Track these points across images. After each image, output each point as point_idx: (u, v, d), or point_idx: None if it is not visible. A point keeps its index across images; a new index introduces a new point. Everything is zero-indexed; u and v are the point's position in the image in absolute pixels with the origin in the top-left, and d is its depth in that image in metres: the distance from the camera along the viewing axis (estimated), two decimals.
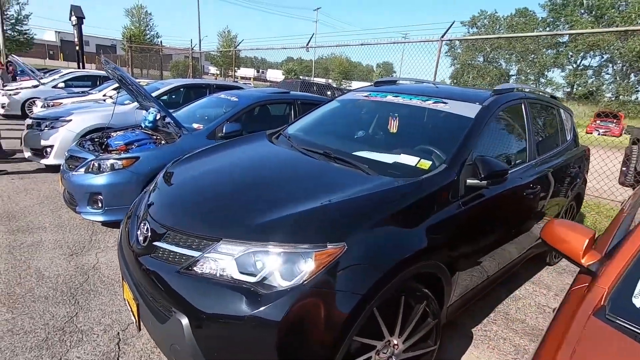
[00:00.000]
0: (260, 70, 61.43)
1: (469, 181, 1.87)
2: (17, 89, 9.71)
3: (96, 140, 3.99)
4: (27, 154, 4.97)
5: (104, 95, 8.01)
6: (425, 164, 1.94)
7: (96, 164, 3.28)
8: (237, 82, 10.26)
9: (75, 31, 18.82)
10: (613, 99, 36.97)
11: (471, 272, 2.03)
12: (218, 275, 1.37)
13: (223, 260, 1.39)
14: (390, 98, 2.65)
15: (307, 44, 7.34)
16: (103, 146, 3.78)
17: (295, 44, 8.09)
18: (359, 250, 1.38)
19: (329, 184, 1.81)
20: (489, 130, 2.19)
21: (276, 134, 2.80)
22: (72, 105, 5.87)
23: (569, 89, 43.09)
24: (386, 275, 1.40)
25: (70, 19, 19.08)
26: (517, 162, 2.45)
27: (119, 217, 3.31)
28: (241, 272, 1.35)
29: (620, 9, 36.10)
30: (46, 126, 4.84)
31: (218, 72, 42.20)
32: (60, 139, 4.73)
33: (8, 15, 31.06)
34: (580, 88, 41.20)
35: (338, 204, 1.54)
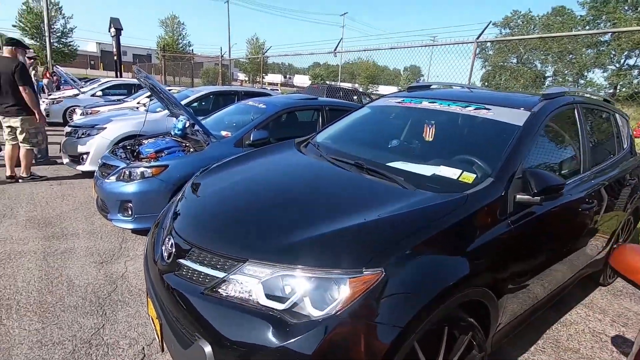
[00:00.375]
0: (288, 76, 62.32)
1: (518, 197, 1.68)
2: (59, 97, 10.26)
3: (128, 147, 4.07)
4: (65, 160, 5.17)
5: (138, 103, 8.29)
6: (469, 177, 1.76)
7: (127, 172, 3.32)
8: (265, 88, 10.34)
9: (113, 42, 19.82)
10: None
11: (520, 296, 1.82)
12: (244, 299, 1.28)
13: (249, 283, 1.29)
14: (426, 104, 2.48)
15: (335, 49, 7.26)
16: (135, 154, 3.84)
17: (322, 49, 8.05)
18: (398, 277, 1.24)
19: (362, 199, 1.67)
20: (538, 140, 1.98)
21: (305, 142, 2.70)
22: (108, 112, 6.09)
23: (611, 90, 40.53)
24: (429, 305, 1.25)
25: (109, 31, 20.12)
26: (569, 174, 2.22)
27: (148, 225, 3.32)
28: (268, 297, 1.24)
29: None
30: (83, 133, 5.01)
31: (246, 78, 43.17)
32: (95, 146, 4.88)
33: (54, 29, 33.28)
34: (624, 89, 38.69)
35: (374, 223, 1.40)
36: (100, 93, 10.07)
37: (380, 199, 1.63)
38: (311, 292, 1.21)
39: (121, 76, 19.22)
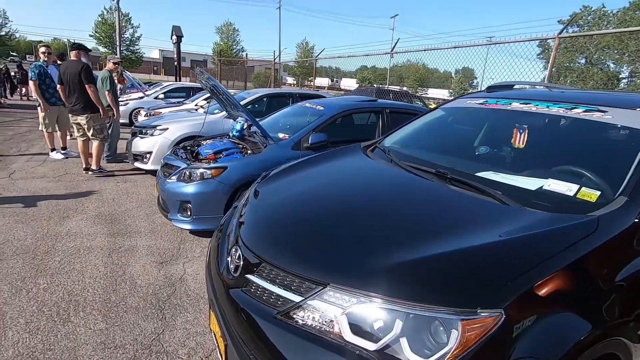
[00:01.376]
0: (335, 79, 62.58)
1: None
2: (126, 100, 11.02)
3: (188, 148, 4.12)
4: (130, 158, 5.43)
5: (196, 105, 8.61)
6: (591, 194, 1.43)
7: (187, 173, 3.33)
8: (318, 91, 10.29)
9: (175, 48, 21.11)
10: None
11: None
12: (324, 330, 1.09)
13: (330, 311, 1.10)
14: (517, 105, 2.15)
15: (392, 50, 6.97)
16: (194, 154, 3.88)
17: (372, 51, 7.82)
18: (520, 324, 0.97)
19: (456, 216, 1.42)
20: None
21: (371, 146, 2.48)
22: (169, 114, 6.34)
23: None
24: None
25: (171, 38, 21.46)
26: None
27: (205, 227, 3.30)
28: (355, 333, 1.04)
29: None
30: (146, 134, 5.23)
31: (294, 82, 43.94)
32: (157, 146, 5.05)
33: (124, 38, 36.30)
34: None
35: (482, 250, 1.15)
36: (162, 96, 10.65)
37: (479, 218, 1.37)
38: (409, 332, 0.99)
39: (180, 80, 20.39)
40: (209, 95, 9.37)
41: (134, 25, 38.47)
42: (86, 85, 4.81)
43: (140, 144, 5.18)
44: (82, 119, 4.97)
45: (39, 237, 3.17)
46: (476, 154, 2.20)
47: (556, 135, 2.00)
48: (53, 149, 6.02)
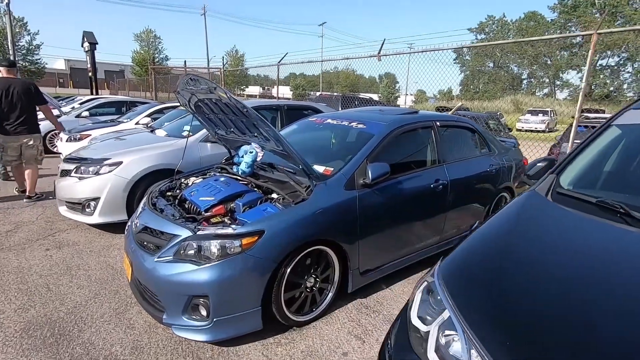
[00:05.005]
0: (266, 88, 61.03)
1: None
2: None
3: (170, 195, 2.75)
4: (62, 208, 3.75)
5: (137, 124, 6.89)
6: None
7: (195, 246, 2.02)
8: (278, 99, 9.10)
9: (87, 57, 18.12)
10: (636, 97, 35.69)
11: None
12: None
13: None
14: None
15: (379, 52, 6.17)
16: (184, 205, 2.54)
17: (304, 59, 7.06)
18: None
19: None
20: None
21: (550, 190, 1.51)
22: (107, 139, 4.65)
23: (587, 90, 41.84)
24: None
25: (82, 45, 18.45)
26: None
27: (233, 333, 2.03)
28: None
29: (635, 6, 35.05)
30: (87, 172, 3.63)
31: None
32: (108, 189, 3.50)
33: (19, 46, 30.85)
34: (597, 89, 39.98)
35: None
36: (86, 113, 8.51)
37: None
38: None
39: (97, 93, 17.48)
40: (153, 110, 7.66)
41: (31, 31, 32.96)
42: (41, 107, 4.54)
43: (79, 188, 3.56)
44: (30, 140, 4.46)
45: None
46: None
47: None
48: None
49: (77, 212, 3.62)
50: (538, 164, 1.93)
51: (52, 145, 7.89)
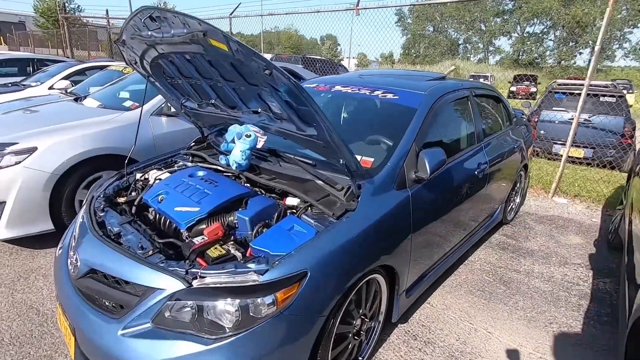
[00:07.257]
0: None
1: None
2: None
3: (122, 202, 1.82)
4: None
5: (51, 88, 5.35)
6: None
7: (190, 306, 1.20)
8: None
9: None
10: (556, 64, 39.02)
11: None
12: None
13: None
14: None
15: (357, 5, 5.28)
16: (150, 220, 1.66)
17: (327, 6, 6.01)
18: None
19: None
20: None
21: None
22: (21, 114, 3.27)
23: (516, 57, 44.83)
24: None
25: None
26: None
27: None
28: None
29: None
30: None
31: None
32: (17, 189, 2.37)
33: None
34: (525, 55, 42.95)
35: None
36: None
37: None
38: None
39: None
40: (73, 70, 5.98)
41: None
42: None
43: None
44: None
45: None
46: None
47: None
48: None
49: None
50: None
51: None
